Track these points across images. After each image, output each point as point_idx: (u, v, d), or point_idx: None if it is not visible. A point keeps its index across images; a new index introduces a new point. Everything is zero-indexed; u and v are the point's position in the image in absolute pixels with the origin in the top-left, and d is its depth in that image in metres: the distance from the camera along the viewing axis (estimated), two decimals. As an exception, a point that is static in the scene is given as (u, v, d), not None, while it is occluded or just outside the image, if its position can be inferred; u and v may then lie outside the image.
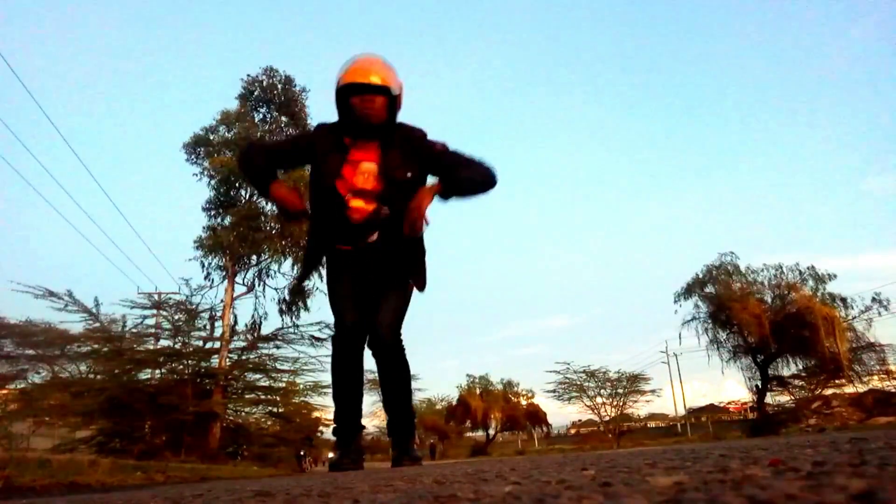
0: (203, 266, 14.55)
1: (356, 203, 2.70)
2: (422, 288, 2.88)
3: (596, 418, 32.78)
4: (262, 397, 14.92)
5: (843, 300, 18.93)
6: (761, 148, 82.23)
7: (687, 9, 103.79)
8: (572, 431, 49.01)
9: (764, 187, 76.14)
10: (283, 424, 16.25)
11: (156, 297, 14.89)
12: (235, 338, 14.27)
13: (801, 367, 19.57)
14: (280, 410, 15.75)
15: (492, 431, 37.94)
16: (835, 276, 19.20)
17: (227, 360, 13.61)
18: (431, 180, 2.82)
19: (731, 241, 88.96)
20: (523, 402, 37.41)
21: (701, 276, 20.76)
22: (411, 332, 2.89)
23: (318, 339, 13.88)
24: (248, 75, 15.92)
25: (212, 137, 15.25)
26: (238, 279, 14.66)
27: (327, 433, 24.68)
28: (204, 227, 14.82)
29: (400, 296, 2.84)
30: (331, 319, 2.92)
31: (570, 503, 0.60)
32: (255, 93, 15.82)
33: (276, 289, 15.31)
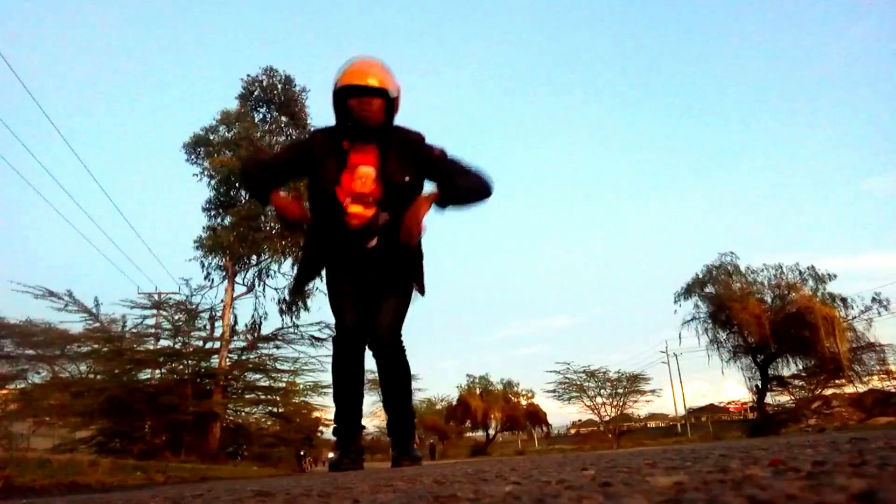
0: (203, 266, 14.57)
1: (355, 209, 2.70)
2: (422, 292, 2.88)
3: (596, 418, 32.79)
4: (262, 397, 14.93)
5: (843, 300, 18.95)
6: (761, 148, 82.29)
7: (687, 8, 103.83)
8: (572, 431, 49.01)
9: (764, 187, 76.16)
10: (283, 424, 16.25)
11: (156, 297, 14.91)
12: (235, 338, 14.28)
13: (801, 367, 19.59)
14: (280, 410, 15.75)
15: (492, 431, 37.96)
16: (835, 276, 19.23)
17: (227, 360, 13.61)
18: (429, 186, 2.82)
19: (731, 241, 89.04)
20: (523, 402, 37.44)
21: (701, 276, 20.78)
22: (411, 333, 2.90)
23: (318, 339, 13.90)
24: (248, 75, 15.94)
25: (212, 137, 15.24)
26: (238, 279, 14.67)
27: (327, 433, 24.70)
28: (204, 227, 14.84)
29: (400, 297, 2.84)
30: (331, 319, 2.92)
31: (570, 503, 0.60)
32: (255, 93, 15.81)
33: (276, 289, 15.33)
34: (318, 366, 14.05)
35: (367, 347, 2.83)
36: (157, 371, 13.11)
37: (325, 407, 17.51)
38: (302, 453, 20.19)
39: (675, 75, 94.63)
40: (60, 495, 2.59)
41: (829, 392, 20.00)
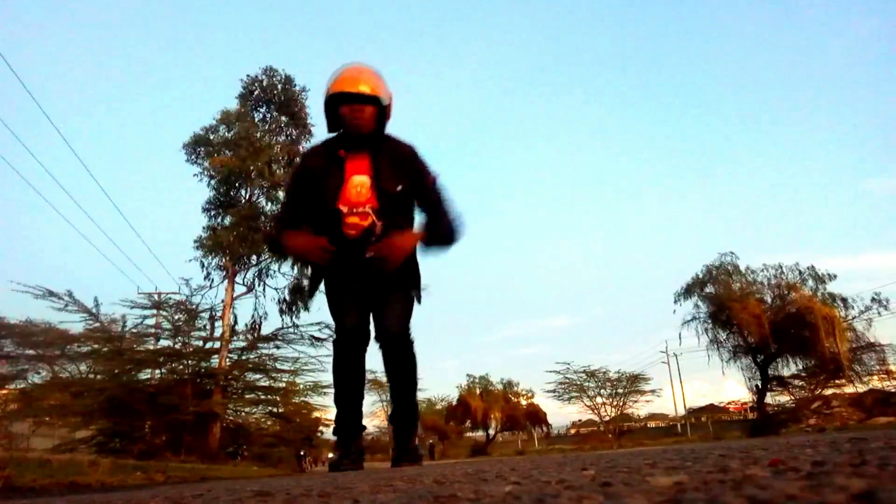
0: (203, 266, 14.57)
1: (352, 219, 2.72)
2: (419, 300, 2.90)
3: (596, 418, 32.81)
4: (262, 397, 14.91)
5: (844, 300, 18.94)
6: (761, 148, 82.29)
7: (687, 8, 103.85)
8: (572, 431, 49.00)
9: (764, 187, 76.18)
10: (283, 424, 16.25)
11: (156, 297, 14.90)
12: (235, 338, 14.27)
13: (801, 367, 19.57)
14: (280, 410, 15.75)
15: (492, 431, 37.96)
16: (835, 276, 19.21)
17: (227, 360, 13.61)
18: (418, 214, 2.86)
19: (731, 241, 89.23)
20: (523, 402, 37.46)
21: (701, 276, 20.77)
22: (411, 332, 2.91)
23: (318, 339, 13.89)
24: (248, 75, 15.94)
25: (212, 137, 15.24)
26: (238, 279, 14.67)
27: (327, 433, 24.69)
28: (204, 227, 14.84)
29: (403, 297, 2.86)
30: (331, 319, 2.93)
31: (570, 503, 0.60)
32: (255, 93, 15.81)
33: (276, 289, 15.34)
34: (318, 366, 14.06)
35: (376, 343, 2.85)
36: (157, 371, 13.11)
37: (325, 407, 17.53)
38: (302, 453, 20.20)
39: (675, 75, 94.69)
40: (60, 495, 2.58)
41: (829, 392, 19.99)
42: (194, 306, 13.79)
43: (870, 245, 74.82)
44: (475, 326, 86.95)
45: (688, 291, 20.94)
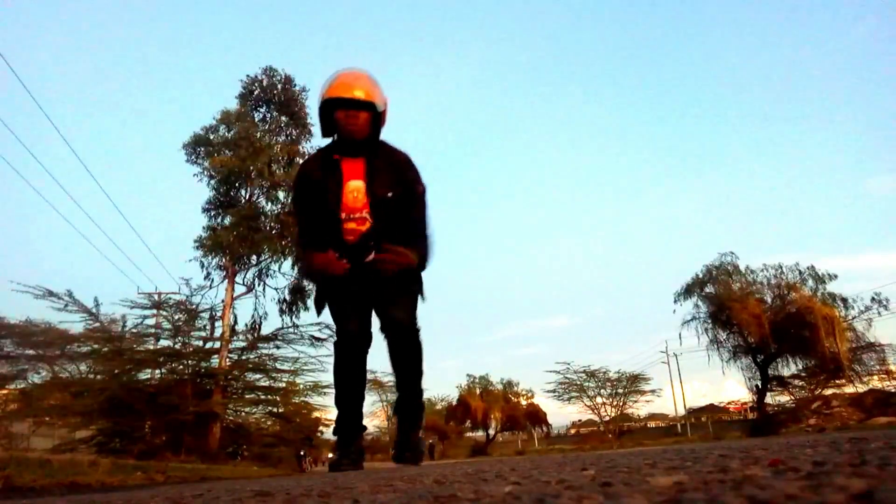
0: (203, 266, 14.58)
1: (349, 225, 2.74)
2: (423, 297, 2.92)
3: (596, 418, 32.81)
4: (262, 397, 14.92)
5: (844, 300, 18.95)
6: (761, 148, 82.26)
7: (687, 7, 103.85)
8: (572, 431, 49.02)
9: (764, 187, 76.12)
10: (283, 424, 16.25)
11: (156, 297, 14.91)
12: (235, 338, 14.28)
13: (801, 367, 19.57)
14: (280, 410, 15.75)
15: (492, 431, 37.96)
16: (835, 276, 19.22)
17: (227, 360, 13.62)
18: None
19: (731, 241, 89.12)
20: (523, 402, 37.46)
21: (701, 276, 20.78)
22: (418, 321, 2.92)
23: (318, 339, 13.89)
24: (248, 75, 15.95)
25: (212, 137, 15.25)
26: (238, 279, 14.67)
27: (327, 433, 24.71)
28: (204, 227, 14.84)
29: (408, 294, 2.88)
30: (330, 319, 2.94)
31: (571, 503, 0.60)
32: (255, 93, 15.82)
33: (276, 289, 15.35)
34: (318, 366, 14.07)
35: (382, 335, 2.85)
36: (157, 371, 13.11)
37: (325, 407, 17.54)
38: (302, 453, 20.20)
39: (675, 75, 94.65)
40: (60, 495, 2.59)
41: (829, 392, 19.98)
42: (194, 306, 13.81)
43: (870, 245, 74.81)
44: (475, 326, 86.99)
45: (688, 291, 20.96)
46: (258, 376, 14.37)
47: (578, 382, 30.30)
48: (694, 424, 37.62)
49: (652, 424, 45.52)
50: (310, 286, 14.96)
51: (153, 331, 13.73)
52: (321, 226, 2.79)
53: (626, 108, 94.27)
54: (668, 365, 38.67)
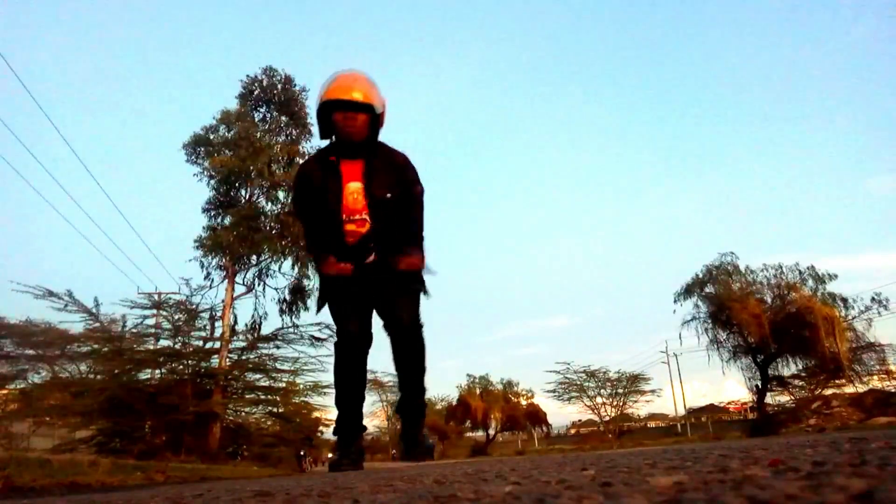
0: (203, 266, 14.57)
1: (349, 227, 2.75)
2: (426, 292, 2.93)
3: (596, 418, 32.80)
4: (262, 397, 14.92)
5: (844, 300, 18.94)
6: (762, 148, 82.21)
7: (687, 6, 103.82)
8: (572, 431, 49.03)
9: (764, 187, 76.07)
10: (283, 424, 16.25)
11: (156, 297, 14.90)
12: (235, 338, 14.28)
13: (801, 367, 19.56)
14: (280, 410, 15.75)
15: (492, 431, 37.95)
16: (835, 276, 19.20)
17: (227, 360, 13.61)
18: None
19: (731, 241, 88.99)
20: (523, 402, 37.43)
21: (701, 276, 20.77)
22: (421, 318, 2.92)
23: (318, 339, 13.89)
24: (248, 75, 15.95)
25: (212, 137, 15.24)
26: (238, 279, 14.67)
27: (327, 433, 24.71)
28: (204, 227, 14.84)
29: (409, 290, 2.88)
30: (330, 319, 2.95)
31: (571, 503, 0.60)
32: (255, 92, 15.82)
33: (276, 289, 15.34)
34: (318, 366, 14.07)
35: (385, 333, 2.86)
36: (157, 371, 13.11)
37: (325, 407, 17.53)
38: (302, 453, 20.18)
39: (675, 75, 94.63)
40: (60, 495, 2.59)
41: (829, 392, 19.98)
42: (194, 306, 13.80)
43: (870, 245, 74.82)
44: (475, 326, 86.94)
45: (688, 291, 20.95)
46: (258, 376, 14.37)
47: (578, 382, 30.29)
48: (694, 424, 37.63)
49: (652, 424, 45.52)
50: (310, 286, 15.00)
51: (153, 331, 13.73)
52: (323, 227, 2.79)
53: (626, 108, 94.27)
54: (668, 365, 38.72)
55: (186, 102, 63.64)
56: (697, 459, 1.10)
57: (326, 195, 2.74)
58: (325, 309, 2.92)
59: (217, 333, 13.66)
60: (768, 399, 20.55)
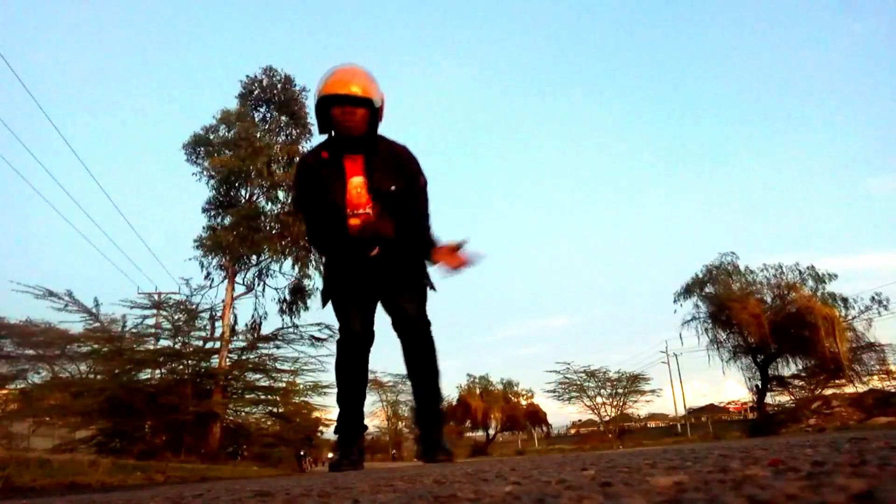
0: (203, 266, 14.57)
1: (353, 221, 2.74)
2: (433, 287, 2.92)
3: (596, 418, 32.80)
4: (262, 397, 14.91)
5: (844, 300, 18.94)
6: (762, 147, 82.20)
7: (687, 6, 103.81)
8: (572, 431, 49.03)
9: (764, 187, 76.06)
10: (283, 424, 16.24)
11: (156, 297, 14.91)
12: (235, 338, 14.27)
13: (801, 367, 19.57)
14: (280, 410, 15.74)
15: (492, 431, 37.95)
16: (835, 276, 19.21)
17: (227, 360, 13.61)
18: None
19: (731, 241, 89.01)
20: (523, 402, 37.44)
21: (701, 276, 20.78)
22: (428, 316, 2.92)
23: (318, 339, 13.89)
24: (248, 75, 15.94)
25: (212, 137, 15.24)
26: (238, 279, 14.66)
27: (327, 433, 24.71)
28: (204, 227, 14.84)
29: (416, 289, 2.87)
30: (330, 319, 2.95)
31: (570, 503, 0.60)
32: (255, 92, 15.82)
33: (276, 289, 15.34)
34: (318, 366, 14.07)
35: (395, 333, 2.86)
36: (157, 371, 13.11)
37: (325, 407, 17.53)
38: (302, 453, 20.18)
39: (675, 75, 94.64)
40: (60, 495, 2.59)
41: (829, 392, 19.98)
42: (194, 306, 13.80)
43: (870, 245, 74.85)
44: (475, 326, 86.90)
45: (688, 291, 20.96)
46: (258, 376, 14.37)
47: (578, 382, 30.29)
48: (694, 424, 37.65)
49: (652, 424, 45.53)
50: (310, 286, 15.01)
51: (153, 331, 13.73)
52: (327, 222, 2.78)
53: (626, 108, 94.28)
54: (668, 365, 38.72)
55: (186, 102, 63.70)
56: (697, 459, 1.10)
57: (329, 190, 2.73)
58: (326, 309, 2.92)
59: (217, 333, 13.66)
60: (768, 399, 20.57)
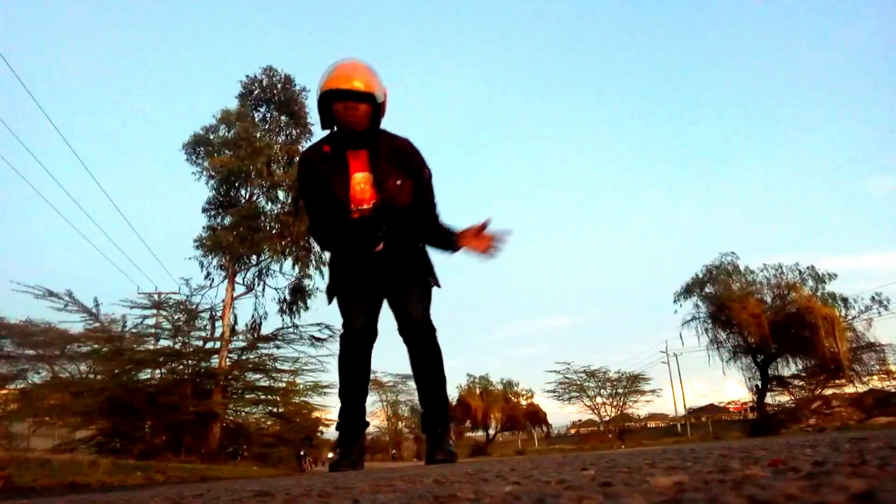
0: (203, 266, 14.57)
1: (358, 217, 2.74)
2: (438, 283, 2.91)
3: (596, 418, 32.81)
4: (262, 397, 14.91)
5: (844, 300, 18.95)
6: (762, 147, 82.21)
7: (687, 7, 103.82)
8: (572, 431, 49.05)
9: (764, 187, 76.07)
10: (283, 424, 16.24)
11: (156, 297, 14.91)
12: (235, 338, 14.28)
13: (801, 367, 19.58)
14: (280, 410, 15.74)
15: (492, 431, 37.96)
16: (835, 275, 19.22)
17: (227, 360, 13.61)
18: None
19: (731, 241, 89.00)
20: (523, 402, 37.46)
21: (701, 276, 20.79)
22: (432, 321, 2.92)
23: (318, 339, 13.89)
24: (248, 75, 15.95)
25: (212, 137, 15.24)
26: (238, 279, 14.67)
27: (327, 433, 24.71)
28: (204, 227, 14.84)
29: (420, 287, 2.87)
30: (330, 320, 2.95)
31: (570, 503, 0.60)
32: (255, 92, 15.82)
33: (276, 289, 15.34)
34: (318, 366, 14.07)
35: (400, 337, 2.86)
36: (157, 371, 13.10)
37: (325, 407, 17.55)
38: (302, 453, 20.18)
39: (675, 75, 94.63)
40: (60, 495, 2.58)
41: (829, 392, 19.98)
42: (194, 306, 13.80)
43: (870, 245, 74.85)
44: (475, 326, 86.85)
45: (688, 291, 20.96)
46: (258, 376, 14.37)
47: (578, 382, 30.30)
48: (694, 424, 37.66)
49: (652, 424, 45.54)
50: (310, 286, 15.01)
51: (153, 331, 13.73)
52: (331, 218, 2.78)
53: (626, 108, 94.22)
54: (668, 365, 38.79)
55: (186, 102, 63.74)
56: (697, 459, 1.10)
57: (332, 185, 2.72)
58: (325, 309, 2.92)
59: (217, 333, 13.67)
60: (768, 399, 20.58)
